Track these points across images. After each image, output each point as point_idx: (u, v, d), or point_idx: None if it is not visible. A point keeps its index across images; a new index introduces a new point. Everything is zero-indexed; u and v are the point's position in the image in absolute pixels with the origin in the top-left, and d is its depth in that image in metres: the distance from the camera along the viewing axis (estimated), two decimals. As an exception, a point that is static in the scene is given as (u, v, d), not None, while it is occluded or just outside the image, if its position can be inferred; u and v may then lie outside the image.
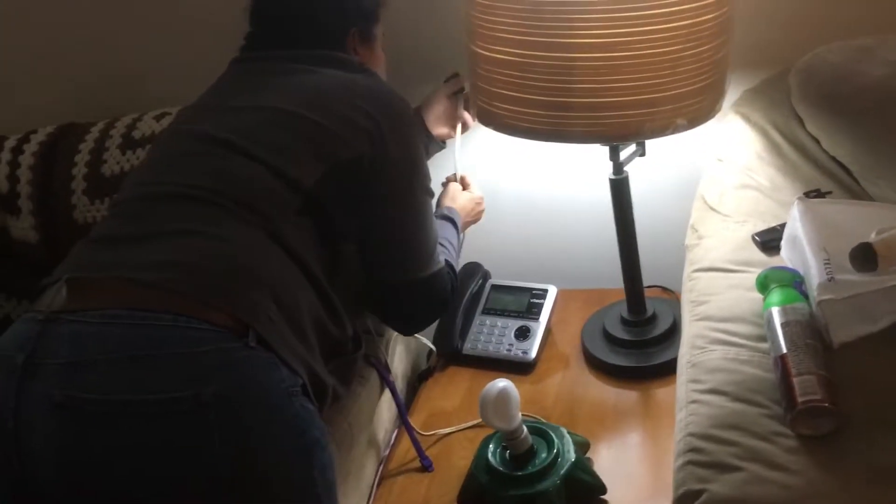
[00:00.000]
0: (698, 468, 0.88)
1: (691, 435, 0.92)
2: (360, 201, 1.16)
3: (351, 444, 1.21)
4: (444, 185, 1.49)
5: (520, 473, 1.12)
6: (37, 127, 1.56)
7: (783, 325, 0.95)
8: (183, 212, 1.07)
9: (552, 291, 1.49)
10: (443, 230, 1.35)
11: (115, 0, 1.62)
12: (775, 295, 1.00)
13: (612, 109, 1.10)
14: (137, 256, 1.02)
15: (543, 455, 1.14)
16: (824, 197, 1.17)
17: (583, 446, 1.21)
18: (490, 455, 1.15)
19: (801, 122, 1.28)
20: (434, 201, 1.32)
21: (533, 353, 1.42)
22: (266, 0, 1.27)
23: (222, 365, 0.95)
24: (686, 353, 1.04)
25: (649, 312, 1.41)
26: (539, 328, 1.45)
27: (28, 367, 0.95)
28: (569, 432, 1.18)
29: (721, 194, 1.24)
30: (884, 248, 0.95)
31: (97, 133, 1.52)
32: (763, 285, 1.03)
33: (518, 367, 1.41)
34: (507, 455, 1.15)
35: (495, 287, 1.52)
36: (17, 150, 1.52)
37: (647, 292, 1.43)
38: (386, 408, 1.36)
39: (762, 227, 1.16)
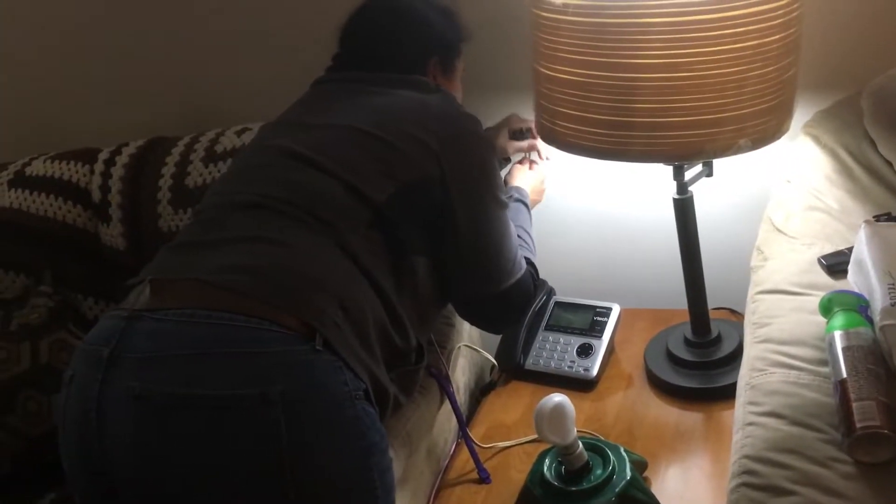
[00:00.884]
0: (752, 490, 0.88)
1: (746, 457, 0.91)
2: (434, 219, 1.19)
3: (410, 452, 1.24)
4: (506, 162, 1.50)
5: (574, 489, 1.12)
6: (129, 140, 1.65)
7: (845, 350, 0.94)
8: (256, 220, 1.12)
9: (616, 310, 1.49)
10: (517, 216, 1.37)
11: (199, 29, 1.71)
12: (838, 319, 0.99)
13: (673, 129, 1.10)
14: (212, 261, 1.08)
15: (599, 471, 1.14)
16: (895, 221, 1.14)
17: (640, 465, 1.20)
18: (545, 469, 1.16)
19: (873, 144, 1.25)
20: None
21: (594, 371, 1.42)
22: (357, 23, 1.33)
23: (289, 365, 0.99)
24: (745, 374, 1.04)
25: (714, 334, 1.39)
26: (601, 346, 1.45)
27: (111, 361, 1.01)
28: (626, 451, 1.18)
29: (788, 216, 1.23)
30: (952, 274, 0.92)
31: (182, 147, 1.59)
32: (826, 309, 1.01)
33: (579, 384, 1.41)
34: (563, 470, 1.15)
35: (559, 304, 1.53)
36: (110, 162, 1.61)
37: (713, 314, 1.42)
38: (447, 419, 1.39)
39: (829, 250, 1.14)
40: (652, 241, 1.60)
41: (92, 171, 1.61)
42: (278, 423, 0.96)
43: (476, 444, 1.31)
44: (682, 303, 1.40)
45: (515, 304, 1.30)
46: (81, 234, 1.59)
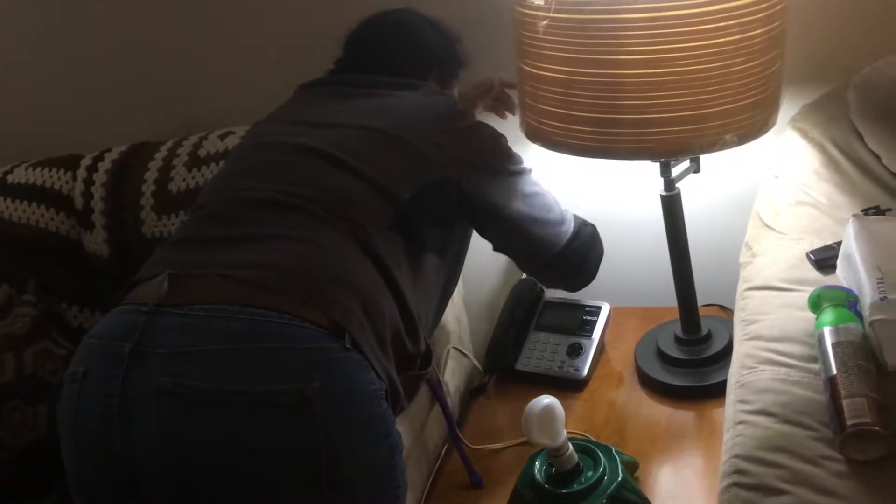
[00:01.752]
0: (743, 490, 0.87)
1: (737, 457, 0.90)
2: (449, 218, 1.20)
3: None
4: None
5: (564, 491, 1.11)
6: (111, 146, 1.63)
7: (834, 346, 0.93)
8: (279, 217, 1.10)
9: (605, 309, 1.48)
10: None
11: (182, 38, 1.69)
12: (827, 314, 0.98)
13: (659, 126, 1.09)
14: (235, 257, 1.05)
15: (589, 473, 1.13)
16: (884, 214, 1.13)
17: (631, 466, 1.19)
18: (536, 472, 1.15)
19: (860, 137, 1.25)
20: None
21: (585, 371, 1.41)
22: (364, 28, 1.34)
23: (322, 363, 0.98)
24: (735, 372, 1.03)
25: (704, 331, 1.38)
26: (591, 346, 1.44)
27: (134, 356, 0.98)
28: (617, 451, 1.17)
29: (776, 211, 1.22)
30: (941, 268, 0.91)
31: (165, 152, 1.58)
32: (815, 304, 1.00)
33: (570, 385, 1.40)
34: (553, 472, 1.14)
35: (549, 304, 1.52)
36: (92, 169, 1.59)
37: (704, 311, 1.41)
38: (436, 422, 1.38)
39: (818, 244, 1.13)
40: (640, 238, 1.59)
41: (74, 178, 1.59)
42: (315, 420, 0.95)
43: (466, 445, 1.30)
44: (671, 300, 1.39)
45: (583, 251, 1.31)
46: (65, 242, 1.58)
